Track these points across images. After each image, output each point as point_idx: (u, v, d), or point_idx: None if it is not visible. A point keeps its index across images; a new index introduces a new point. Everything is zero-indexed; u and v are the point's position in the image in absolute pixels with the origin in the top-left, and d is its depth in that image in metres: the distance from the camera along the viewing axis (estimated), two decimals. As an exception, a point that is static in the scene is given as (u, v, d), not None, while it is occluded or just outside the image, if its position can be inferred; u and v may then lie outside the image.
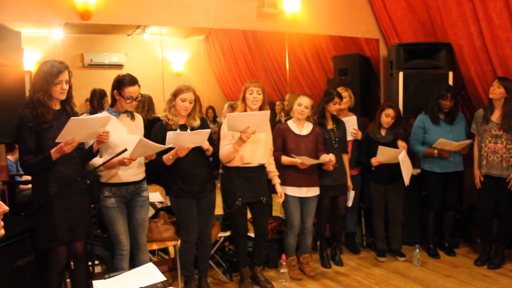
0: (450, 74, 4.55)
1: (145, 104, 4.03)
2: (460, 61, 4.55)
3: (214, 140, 3.62)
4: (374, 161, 4.01)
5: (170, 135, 3.08)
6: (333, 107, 4.02)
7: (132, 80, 3.04)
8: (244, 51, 5.23)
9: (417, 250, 4.11)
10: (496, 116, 3.88)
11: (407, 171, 3.91)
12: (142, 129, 3.28)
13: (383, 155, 3.94)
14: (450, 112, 4.17)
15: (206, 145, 3.29)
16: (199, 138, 3.20)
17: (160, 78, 4.41)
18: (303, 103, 3.77)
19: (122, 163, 2.95)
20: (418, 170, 4.35)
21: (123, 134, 3.08)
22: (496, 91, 3.81)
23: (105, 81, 3.85)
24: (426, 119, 4.23)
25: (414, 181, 4.22)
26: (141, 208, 3.22)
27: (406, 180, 3.92)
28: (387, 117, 4.10)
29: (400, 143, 4.11)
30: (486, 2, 4.02)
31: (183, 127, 3.32)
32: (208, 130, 3.24)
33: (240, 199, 3.52)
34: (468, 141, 4.05)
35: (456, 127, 4.18)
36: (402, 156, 3.90)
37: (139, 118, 3.28)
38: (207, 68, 5.11)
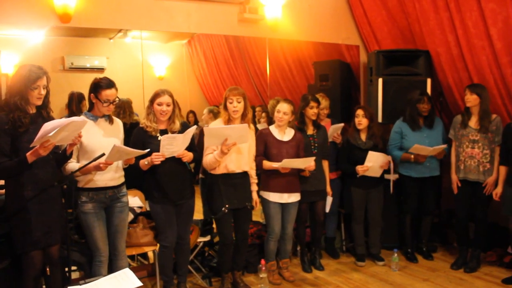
0: (428, 80, 4.63)
1: (126, 109, 4.01)
2: (438, 68, 4.64)
3: (195, 145, 3.58)
4: (361, 169, 4.05)
5: (164, 140, 3.08)
6: (310, 112, 4.04)
7: (109, 84, 3.01)
8: (226, 56, 5.23)
9: (396, 255, 4.16)
10: (473, 122, 3.97)
11: (392, 180, 4.21)
12: (121, 133, 3.24)
13: (372, 160, 4.02)
14: (429, 116, 4.24)
15: (181, 154, 3.25)
16: (189, 137, 3.22)
17: (141, 82, 4.39)
18: (281, 110, 3.78)
19: (98, 168, 2.89)
20: (396, 176, 4.41)
21: (100, 138, 3.04)
22: (470, 99, 3.92)
23: (86, 85, 3.78)
24: (403, 125, 4.29)
25: (393, 186, 4.27)
26: (119, 213, 3.17)
27: (392, 188, 4.21)
28: (357, 117, 4.18)
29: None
30: (462, 11, 4.12)
31: (164, 133, 3.28)
32: (195, 126, 3.28)
33: (227, 206, 3.51)
34: (443, 146, 4.13)
35: (434, 132, 4.25)
36: (391, 165, 4.12)
37: (117, 122, 3.24)
38: (189, 73, 5.10)
